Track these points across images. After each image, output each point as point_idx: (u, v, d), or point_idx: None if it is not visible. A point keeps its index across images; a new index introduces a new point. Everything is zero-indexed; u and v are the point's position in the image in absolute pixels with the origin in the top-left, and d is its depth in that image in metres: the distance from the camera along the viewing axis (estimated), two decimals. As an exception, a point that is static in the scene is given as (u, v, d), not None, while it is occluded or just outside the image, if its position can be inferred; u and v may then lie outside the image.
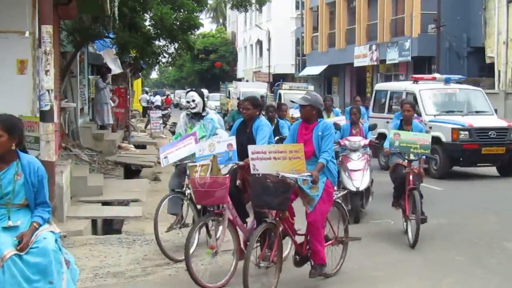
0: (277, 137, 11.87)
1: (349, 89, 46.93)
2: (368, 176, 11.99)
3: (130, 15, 18.72)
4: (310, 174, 7.37)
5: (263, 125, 9.04)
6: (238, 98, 42.48)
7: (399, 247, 10.04)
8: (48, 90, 9.58)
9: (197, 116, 10.13)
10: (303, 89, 35.47)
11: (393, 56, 38.91)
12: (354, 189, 11.59)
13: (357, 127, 12.77)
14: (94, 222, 11.53)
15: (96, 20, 18.10)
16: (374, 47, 41.28)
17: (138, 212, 12.26)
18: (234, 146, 8.46)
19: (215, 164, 7.91)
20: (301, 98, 8.03)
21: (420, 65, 37.66)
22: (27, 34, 10.50)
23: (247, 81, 61.49)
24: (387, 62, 40.20)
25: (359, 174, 11.80)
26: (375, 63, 41.68)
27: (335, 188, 8.28)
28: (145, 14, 19.85)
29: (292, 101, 9.33)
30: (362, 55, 42.83)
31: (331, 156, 7.79)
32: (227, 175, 7.98)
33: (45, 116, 9.66)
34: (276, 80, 54.76)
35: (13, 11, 10.55)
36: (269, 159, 7.39)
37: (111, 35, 19.32)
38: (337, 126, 12.17)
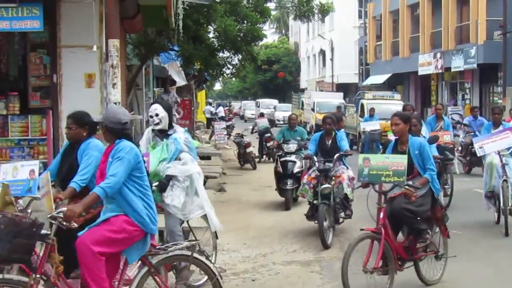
0: (337, 154, 11.59)
1: (414, 97, 46.36)
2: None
3: (194, 28, 18.95)
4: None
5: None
6: (312, 109, 41.71)
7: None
8: (115, 103, 9.72)
9: (162, 134, 8.40)
10: (388, 98, 33.03)
11: (458, 63, 38.29)
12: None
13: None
14: (161, 232, 11.64)
15: (161, 33, 18.36)
16: (438, 55, 40.71)
17: (204, 222, 12.30)
18: (37, 174, 6.63)
19: (2, 194, 6.27)
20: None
21: (487, 73, 36.98)
22: (94, 48, 10.68)
23: (321, 90, 59.19)
24: (452, 70, 39.57)
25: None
26: (440, 71, 41.09)
27: None
28: (209, 26, 20.08)
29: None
30: (427, 63, 42.28)
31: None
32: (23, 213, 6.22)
33: (112, 128, 9.78)
34: (339, 90, 54.40)
35: (81, 26, 10.75)
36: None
37: (176, 48, 19.58)
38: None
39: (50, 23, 10.59)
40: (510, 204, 11.22)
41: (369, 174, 7.90)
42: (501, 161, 11.41)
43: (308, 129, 39.57)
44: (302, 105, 46.97)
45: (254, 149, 24.10)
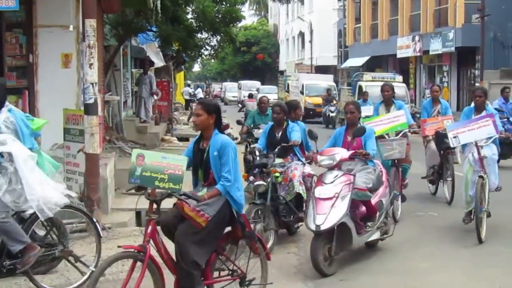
0: (278, 147, 9.93)
1: (392, 80, 46.53)
2: (343, 209, 8.14)
3: (172, 8, 18.82)
4: None
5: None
6: (301, 92, 39.86)
7: (445, 239, 9.98)
8: (92, 84, 9.67)
9: None
10: (389, 80, 29.78)
11: (436, 47, 38.45)
12: (313, 227, 8.12)
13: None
14: (138, 214, 11.63)
15: (139, 14, 18.22)
16: (417, 37, 40.84)
17: (181, 204, 12.32)
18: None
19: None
20: None
21: (464, 56, 37.18)
22: (71, 28, 10.63)
23: (308, 72, 56.09)
24: (431, 53, 39.74)
25: (325, 206, 8.12)
26: (418, 54, 41.25)
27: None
28: (187, 7, 19.96)
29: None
30: (405, 46, 42.41)
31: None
32: None
33: (89, 109, 9.74)
34: (318, 72, 54.39)
35: (57, 5, 10.68)
36: None
37: (154, 29, 19.45)
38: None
39: (26, 2, 10.52)
40: (486, 206, 9.84)
41: (141, 176, 6.30)
42: (479, 153, 9.88)
43: None
44: (288, 87, 45.24)
45: (232, 131, 24.06)
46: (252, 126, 13.97)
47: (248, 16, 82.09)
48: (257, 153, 10.07)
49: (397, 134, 11.51)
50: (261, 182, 9.21)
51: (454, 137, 9.94)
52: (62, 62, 10.80)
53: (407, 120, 11.58)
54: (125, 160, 14.85)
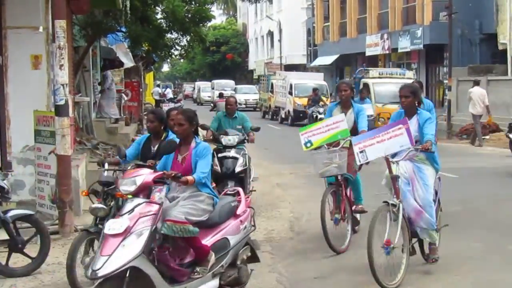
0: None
1: (361, 78, 46.78)
2: (135, 249, 5.87)
3: (142, 8, 18.75)
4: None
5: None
6: (290, 93, 37.03)
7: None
8: (62, 85, 9.61)
9: None
10: (398, 76, 27.76)
11: (405, 44, 38.76)
12: (88, 273, 5.82)
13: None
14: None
15: (108, 14, 18.12)
16: (385, 35, 41.14)
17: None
18: None
19: None
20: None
21: (433, 53, 37.51)
22: (40, 29, 10.55)
23: (292, 71, 48.98)
24: (399, 51, 40.06)
25: (112, 244, 5.87)
26: (387, 51, 41.54)
27: None
28: (157, 7, 19.90)
29: None
30: (374, 44, 42.69)
31: None
32: None
33: (60, 110, 9.69)
34: (288, 71, 54.41)
35: (27, 6, 10.59)
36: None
37: (123, 29, 19.36)
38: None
39: (-5, 3, 10.40)
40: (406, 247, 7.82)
41: None
42: (390, 171, 7.82)
43: (283, 116, 37.99)
44: (272, 87, 41.67)
45: (202, 132, 24.03)
46: (217, 130, 11.95)
47: (217, 16, 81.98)
48: (106, 166, 7.86)
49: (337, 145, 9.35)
50: (99, 205, 7.43)
51: (361, 152, 7.79)
52: (32, 63, 10.71)
53: (359, 126, 9.74)
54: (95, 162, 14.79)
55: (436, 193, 8.25)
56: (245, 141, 11.78)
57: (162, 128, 8.20)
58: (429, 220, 7.90)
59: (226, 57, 78.53)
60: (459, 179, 15.03)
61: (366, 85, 26.32)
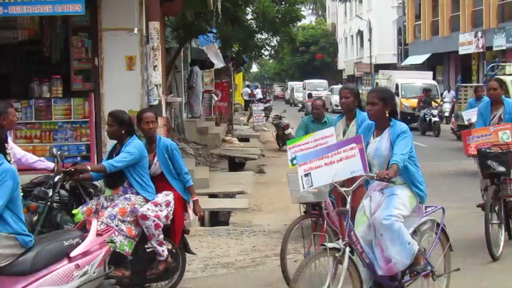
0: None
1: (454, 78, 45.85)
2: None
3: (232, 9, 18.97)
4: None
5: None
6: (396, 93, 31.68)
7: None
8: (156, 85, 9.82)
9: None
10: None
11: (500, 42, 37.70)
12: None
13: None
14: (211, 213, 11.81)
15: (199, 16, 18.40)
16: (479, 34, 40.14)
17: (244, 204, 12.44)
18: None
19: None
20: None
21: (529, 51, 36.44)
22: (135, 31, 10.75)
23: (380, 72, 41.86)
24: (494, 49, 38.99)
25: None
26: (481, 50, 40.53)
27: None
28: (247, 8, 20.08)
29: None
30: (467, 43, 41.72)
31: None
32: None
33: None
34: (377, 71, 53.78)
35: (122, 9, 10.81)
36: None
37: (214, 30, 19.62)
38: None
39: (92, 6, 10.67)
40: None
41: None
42: (336, 204, 6.40)
43: None
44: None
45: (292, 131, 24.08)
46: None
47: (306, 16, 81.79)
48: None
49: None
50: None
51: (306, 175, 6.15)
52: (127, 64, 10.93)
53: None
54: (187, 161, 15.02)
55: (437, 225, 6.49)
56: None
57: (123, 132, 7.17)
58: (402, 252, 5.98)
59: (316, 57, 78.30)
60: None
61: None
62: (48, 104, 10.97)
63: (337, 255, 5.66)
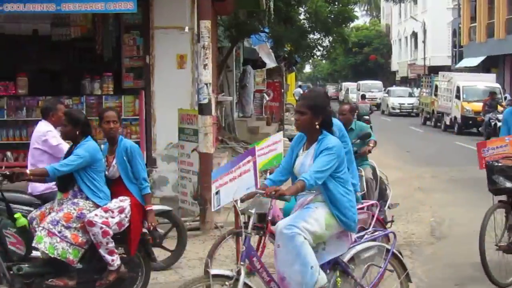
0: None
1: (509, 81, 45.03)
2: None
3: (285, 9, 18.93)
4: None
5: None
6: (457, 96, 31.95)
7: None
8: (206, 84, 9.80)
9: None
10: None
11: (557, 45, 36.94)
12: None
13: None
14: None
15: (252, 15, 18.40)
16: (536, 36, 39.39)
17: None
18: None
19: None
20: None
21: None
22: (186, 29, 10.79)
23: (431, 75, 42.20)
24: (551, 52, 38.25)
25: None
26: (538, 53, 39.77)
27: None
28: (300, 8, 20.03)
29: None
30: (524, 45, 40.96)
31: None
32: None
33: (203, 109, 9.89)
34: (432, 73, 53.12)
35: (173, 7, 10.87)
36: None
37: (266, 30, 19.59)
38: None
39: (144, 4, 10.75)
40: None
41: None
42: (236, 224, 6.33)
43: (448, 122, 32.70)
44: (436, 90, 35.82)
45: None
46: None
47: (360, 17, 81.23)
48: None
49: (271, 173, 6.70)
50: None
51: (216, 193, 6.06)
52: (177, 62, 10.97)
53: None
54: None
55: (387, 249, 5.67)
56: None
57: (78, 133, 6.72)
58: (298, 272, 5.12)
59: (369, 58, 77.75)
60: None
61: None
62: (99, 101, 11.07)
63: (227, 283, 4.97)
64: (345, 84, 67.49)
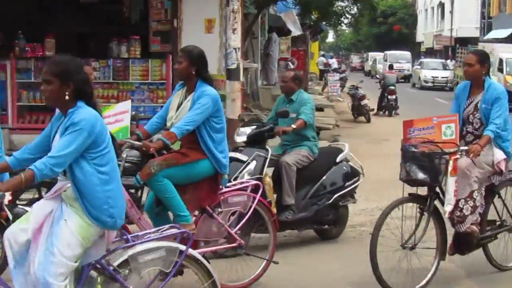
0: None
1: (538, 53, 44.39)
2: None
3: (313, -25, 18.69)
4: None
5: None
6: (500, 69, 30.12)
7: None
8: (235, 49, 9.68)
9: None
10: None
11: None
12: None
13: None
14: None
15: (279, -19, 18.19)
16: None
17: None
18: None
19: None
20: None
21: None
22: (215, -7, 10.65)
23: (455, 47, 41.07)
24: None
25: None
26: None
27: None
28: (329, -26, 19.77)
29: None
30: (554, 17, 40.26)
31: None
32: None
33: (231, 74, 9.77)
34: (458, 44, 52.38)
35: (203, -30, 10.72)
36: None
37: (294, -5, 19.38)
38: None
39: (172, -33, 10.60)
40: None
41: None
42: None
43: None
44: None
45: (368, 102, 23.69)
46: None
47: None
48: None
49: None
50: None
51: None
52: (205, 27, 10.85)
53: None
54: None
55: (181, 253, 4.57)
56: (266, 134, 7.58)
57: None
58: None
59: (393, 29, 76.92)
60: None
61: None
62: (126, 64, 10.99)
63: None
64: (372, 54, 65.56)
